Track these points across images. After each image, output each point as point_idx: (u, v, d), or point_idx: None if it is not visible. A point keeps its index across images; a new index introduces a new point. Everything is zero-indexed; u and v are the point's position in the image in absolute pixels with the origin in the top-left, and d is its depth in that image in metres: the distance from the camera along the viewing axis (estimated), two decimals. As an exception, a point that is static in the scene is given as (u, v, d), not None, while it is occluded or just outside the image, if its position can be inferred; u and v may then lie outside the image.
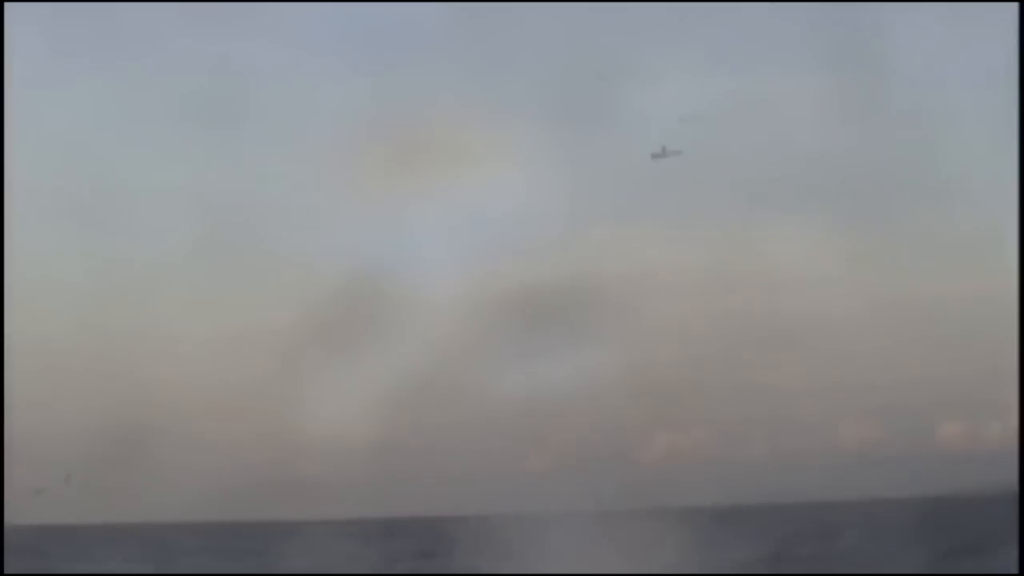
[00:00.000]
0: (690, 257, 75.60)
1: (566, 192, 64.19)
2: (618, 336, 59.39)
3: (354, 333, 57.12)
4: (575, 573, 50.86)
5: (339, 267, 65.45)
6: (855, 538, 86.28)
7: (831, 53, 61.77)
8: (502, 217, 66.51)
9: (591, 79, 63.42)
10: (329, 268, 66.43)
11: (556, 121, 64.02)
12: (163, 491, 61.56)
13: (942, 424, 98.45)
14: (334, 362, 56.57)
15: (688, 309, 67.62)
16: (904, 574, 54.45)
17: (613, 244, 74.18)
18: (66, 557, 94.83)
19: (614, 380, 57.90)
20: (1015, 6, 56.56)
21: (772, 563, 69.62)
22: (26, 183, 77.08)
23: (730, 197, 74.11)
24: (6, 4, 61.88)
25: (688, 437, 76.62)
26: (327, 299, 59.29)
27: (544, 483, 65.01)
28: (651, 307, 65.23)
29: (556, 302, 58.09)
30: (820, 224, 70.54)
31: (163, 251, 73.26)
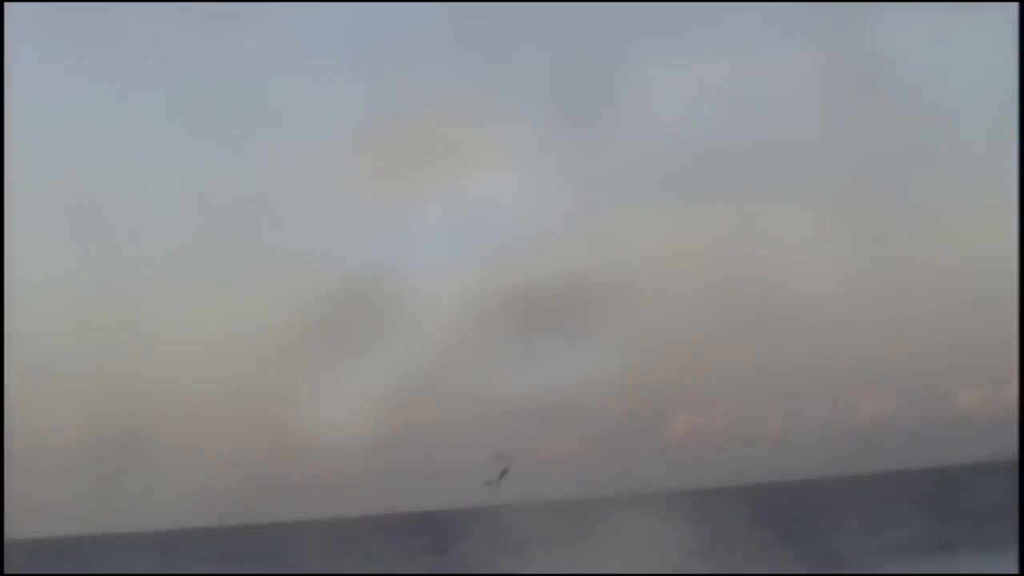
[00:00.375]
0: (697, 242, 75.61)
1: (566, 190, 64.36)
2: (627, 325, 59.35)
3: (354, 333, 57.04)
4: (576, 573, 50.76)
5: (339, 267, 65.56)
6: (864, 514, 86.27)
7: (832, 51, 61.91)
8: (502, 217, 66.65)
9: (591, 79, 63.67)
10: (329, 268, 66.56)
11: (556, 121, 64.31)
12: (167, 497, 61.55)
13: (958, 393, 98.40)
14: (335, 362, 56.49)
15: (697, 293, 67.61)
16: (904, 574, 54.37)
17: (615, 235, 74.20)
18: (74, 569, 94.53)
19: (626, 369, 57.86)
20: (1015, 6, 56.79)
21: (781, 543, 69.59)
22: (25, 186, 77.35)
23: (735, 183, 74.28)
24: (6, 4, 62.03)
25: (706, 418, 76.76)
26: (327, 299, 59.25)
27: (566, 470, 65.01)
28: (659, 295, 65.21)
29: (559, 296, 58.03)
30: (826, 203, 70.64)
31: (163, 254, 73.38)
